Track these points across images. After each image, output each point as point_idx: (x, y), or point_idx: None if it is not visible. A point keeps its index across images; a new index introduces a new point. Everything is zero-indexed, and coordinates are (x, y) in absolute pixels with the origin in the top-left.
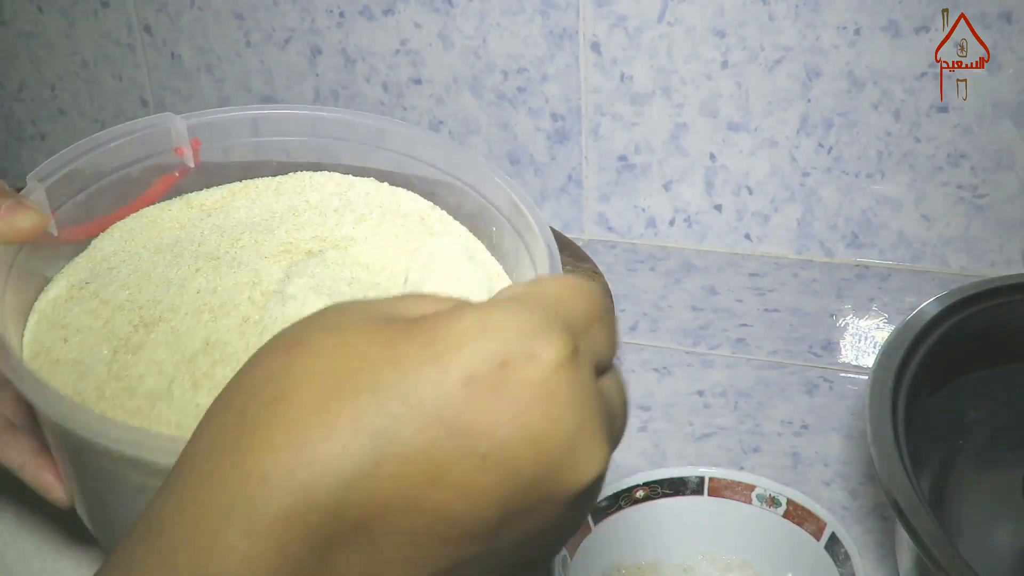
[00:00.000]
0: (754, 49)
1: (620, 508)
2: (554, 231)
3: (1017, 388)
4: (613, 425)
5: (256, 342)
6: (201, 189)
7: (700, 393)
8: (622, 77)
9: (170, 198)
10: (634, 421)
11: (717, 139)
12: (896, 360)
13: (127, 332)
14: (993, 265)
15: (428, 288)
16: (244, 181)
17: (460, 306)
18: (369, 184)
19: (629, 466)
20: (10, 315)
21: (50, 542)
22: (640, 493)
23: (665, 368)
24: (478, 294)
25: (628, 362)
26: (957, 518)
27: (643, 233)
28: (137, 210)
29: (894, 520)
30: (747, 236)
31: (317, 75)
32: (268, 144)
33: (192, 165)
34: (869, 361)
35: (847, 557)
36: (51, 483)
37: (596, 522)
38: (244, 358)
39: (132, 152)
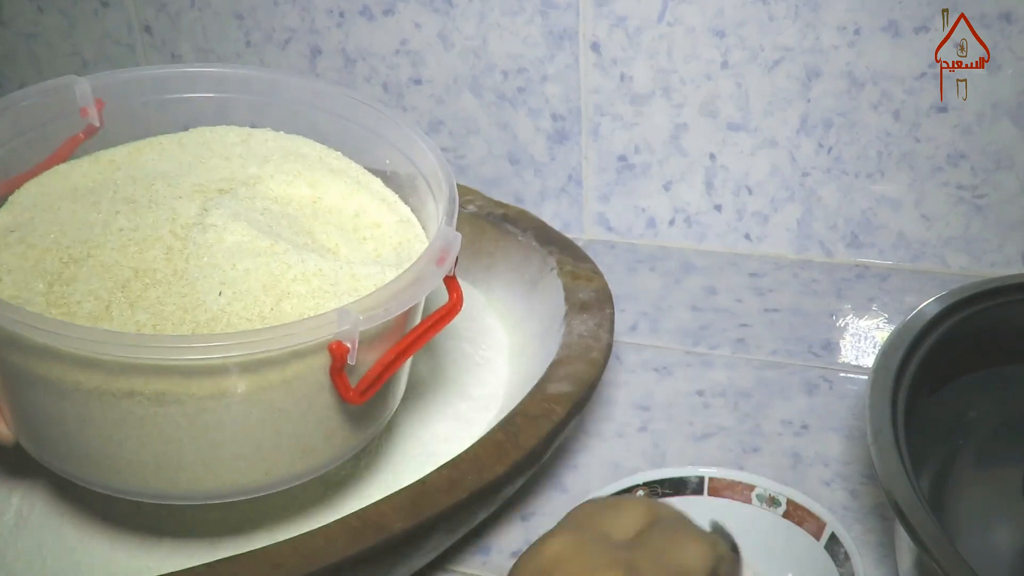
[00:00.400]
0: (754, 49)
1: None
2: (554, 231)
3: (1017, 388)
4: None
5: (183, 266)
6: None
7: (700, 393)
8: (622, 77)
9: (78, 158)
10: (634, 421)
11: (717, 139)
12: (896, 360)
13: (58, 268)
14: (993, 265)
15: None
16: (148, 138)
17: (672, 538)
18: (268, 132)
19: (629, 466)
20: None
21: (50, 542)
22: (640, 493)
23: (665, 368)
24: (377, 212)
25: (628, 362)
26: (957, 518)
27: (643, 233)
28: (47, 169)
29: (894, 520)
30: (747, 236)
31: (317, 75)
32: (172, 102)
33: (97, 125)
34: (869, 361)
35: (847, 557)
36: None
37: None
38: (173, 280)
39: (40, 114)
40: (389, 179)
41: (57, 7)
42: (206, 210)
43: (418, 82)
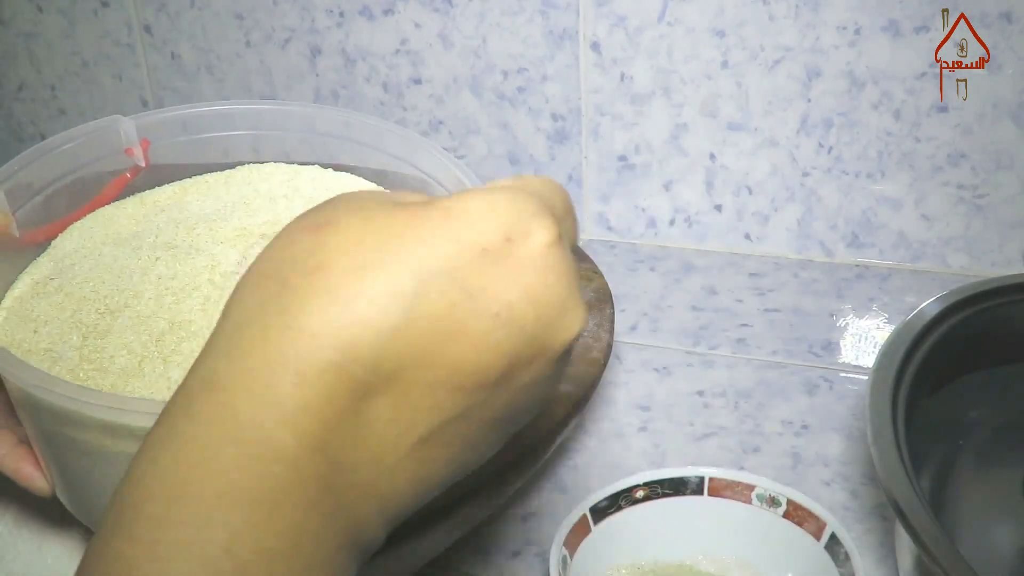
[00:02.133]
0: (754, 49)
1: (620, 508)
2: None
3: (1017, 388)
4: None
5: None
6: (153, 187)
7: (700, 393)
8: (622, 77)
9: (123, 198)
10: (634, 421)
11: (717, 139)
12: (896, 360)
13: (94, 319)
14: (993, 265)
15: None
16: (194, 177)
17: (465, 191)
18: (314, 171)
19: (629, 466)
20: None
21: (50, 542)
22: (640, 493)
23: (665, 368)
24: None
25: (628, 362)
26: (957, 518)
27: (643, 233)
28: (93, 210)
29: (894, 520)
30: (747, 236)
31: (317, 75)
32: (213, 140)
33: (143, 165)
34: (869, 361)
35: (847, 557)
36: (31, 473)
37: (596, 522)
38: (208, 333)
39: (85, 154)
40: None
41: (57, 7)
42: (246, 257)
43: (418, 82)
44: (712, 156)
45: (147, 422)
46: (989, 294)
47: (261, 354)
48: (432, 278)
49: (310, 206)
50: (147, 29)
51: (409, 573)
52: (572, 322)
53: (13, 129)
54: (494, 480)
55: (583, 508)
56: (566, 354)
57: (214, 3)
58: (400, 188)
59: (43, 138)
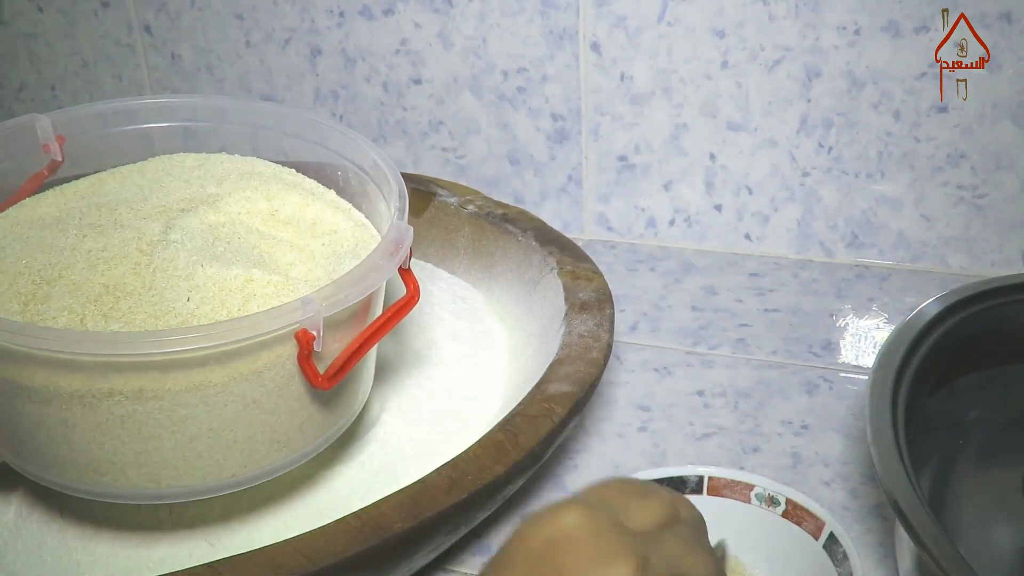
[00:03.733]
0: (754, 49)
1: None
2: (554, 231)
3: (1017, 388)
4: None
5: (151, 279)
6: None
7: (700, 393)
8: (622, 77)
9: (42, 192)
10: (634, 421)
11: (717, 139)
12: (896, 360)
13: (32, 289)
14: (993, 265)
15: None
16: (109, 170)
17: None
18: (223, 156)
19: (629, 466)
20: None
21: (50, 542)
22: None
23: (665, 368)
24: (333, 219)
25: (628, 362)
26: (957, 518)
27: (643, 233)
28: (14, 204)
29: (894, 520)
30: (747, 236)
31: (317, 75)
32: (130, 134)
33: (60, 160)
34: (869, 361)
35: (845, 556)
36: None
37: None
38: (142, 291)
39: (3, 149)
40: (342, 191)
41: (57, 7)
42: (169, 228)
43: (418, 82)
44: (712, 156)
45: (102, 351)
46: (989, 294)
47: None
48: None
49: (223, 184)
50: (147, 29)
51: (409, 573)
52: None
53: None
54: (494, 481)
55: None
56: None
57: (214, 3)
58: (318, 175)
59: None
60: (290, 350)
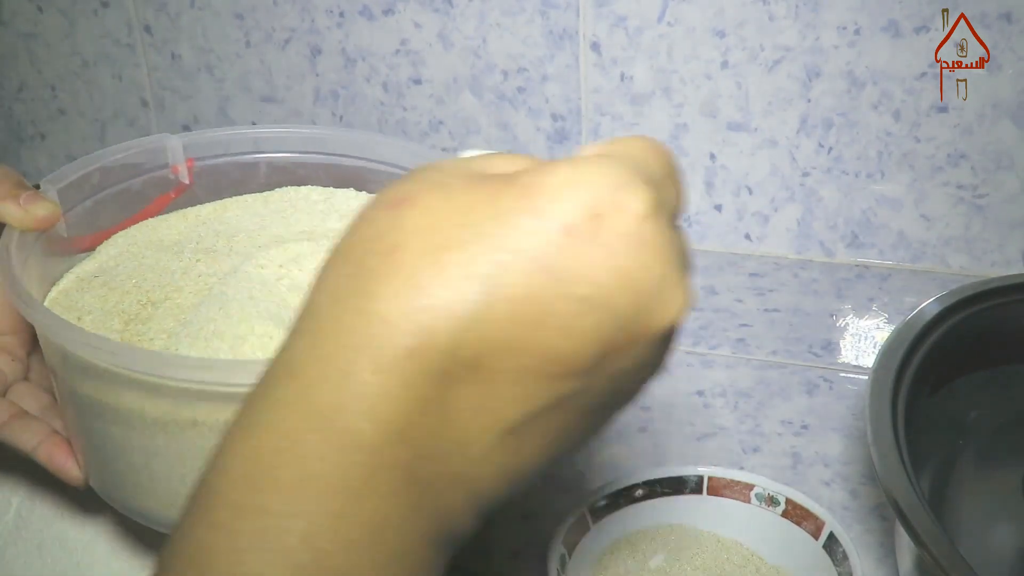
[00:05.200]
0: (754, 49)
1: (620, 507)
2: None
3: (1017, 388)
4: (688, 270)
5: (262, 295)
6: (194, 205)
7: (700, 393)
8: (622, 77)
9: (165, 213)
10: (634, 421)
11: (717, 139)
12: (896, 360)
13: (136, 309)
14: (993, 265)
15: None
16: (234, 197)
17: (550, 162)
18: (350, 192)
19: (629, 466)
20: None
21: (50, 542)
22: (639, 492)
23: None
24: None
25: None
26: (957, 518)
27: None
28: (137, 223)
29: (894, 520)
30: (747, 236)
31: (317, 75)
32: (256, 162)
33: (187, 182)
34: (869, 361)
35: (845, 556)
36: (64, 461)
37: (595, 521)
38: (250, 310)
39: (132, 168)
40: None
41: (57, 7)
42: (285, 259)
43: (418, 82)
44: (712, 156)
45: (186, 376)
46: (989, 294)
47: (336, 340)
48: (512, 259)
49: (346, 219)
50: (147, 29)
51: None
52: (672, 303)
53: (13, 129)
54: None
55: (582, 507)
56: (668, 337)
57: (214, 3)
58: None
59: (43, 138)
60: None
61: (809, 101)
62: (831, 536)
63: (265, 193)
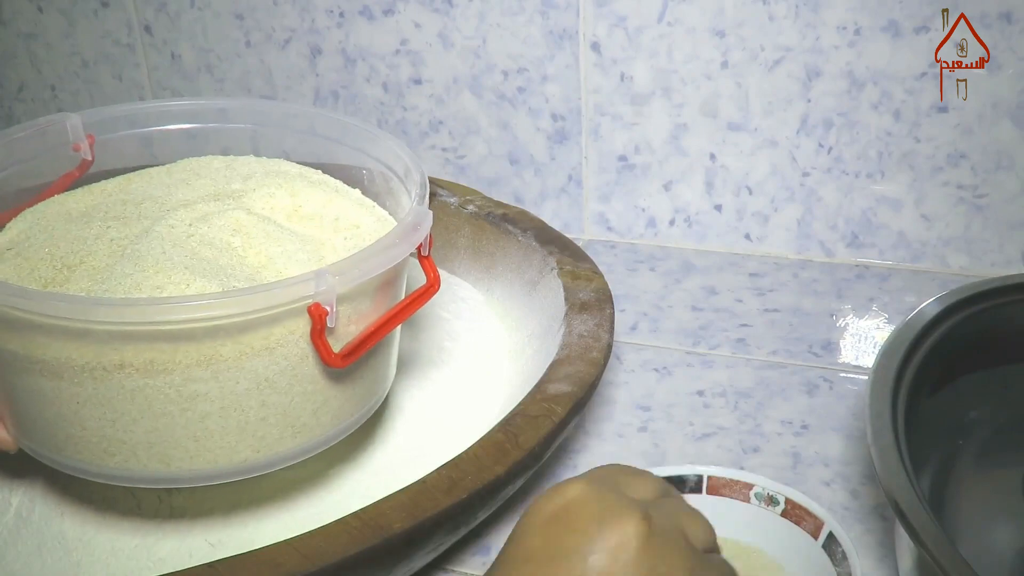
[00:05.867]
0: (754, 49)
1: None
2: (554, 231)
3: (1017, 388)
4: None
5: (175, 250)
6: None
7: (700, 393)
8: (622, 77)
9: (72, 190)
10: (634, 421)
11: (717, 139)
12: (896, 360)
13: (52, 274)
14: (993, 265)
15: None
16: (137, 170)
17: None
18: (250, 158)
19: None
20: None
21: (50, 542)
22: None
23: (665, 368)
24: (356, 215)
25: (628, 362)
26: (957, 518)
27: (643, 233)
28: (42, 201)
29: (894, 520)
30: (747, 236)
31: (317, 75)
32: (158, 135)
33: (90, 159)
34: (869, 361)
35: (844, 556)
36: None
37: None
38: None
39: (33, 147)
40: (367, 189)
41: (57, 7)
42: (194, 218)
43: (418, 82)
44: (712, 156)
45: (112, 323)
46: (989, 294)
47: None
48: None
49: (249, 181)
50: (147, 29)
51: (409, 573)
52: None
53: None
54: (494, 481)
55: None
56: None
57: (214, 3)
58: (350, 179)
59: None
60: (303, 326)
61: (809, 101)
62: (830, 536)
63: (168, 165)
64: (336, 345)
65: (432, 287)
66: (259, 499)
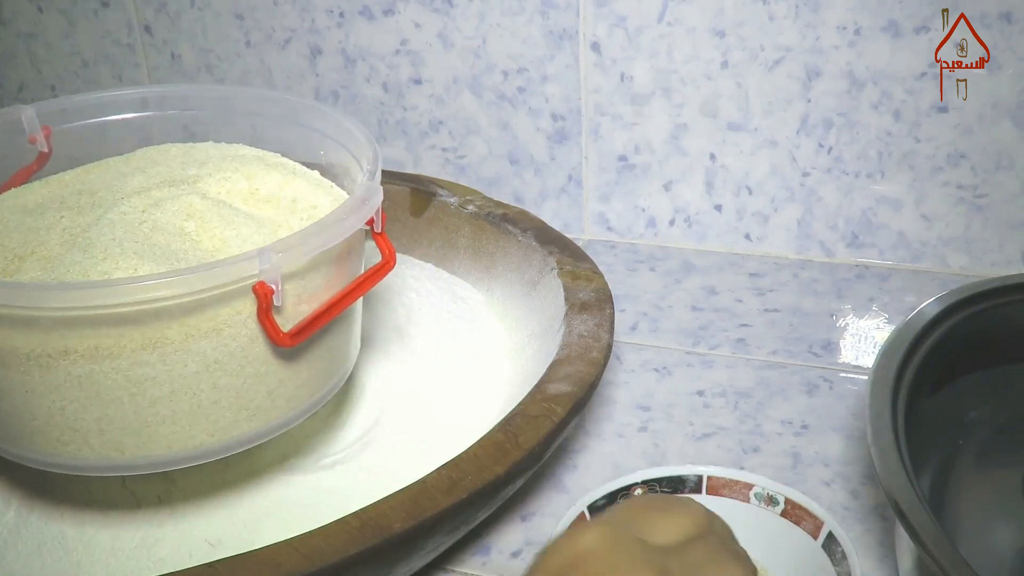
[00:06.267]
0: (754, 49)
1: None
2: (554, 231)
3: (1017, 388)
4: None
5: (125, 236)
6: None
7: (700, 393)
8: (622, 77)
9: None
10: (634, 421)
11: (717, 139)
12: (896, 360)
13: (2, 264)
14: (993, 265)
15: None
16: (96, 161)
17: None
18: (208, 144)
19: (629, 466)
20: None
21: (50, 542)
22: (638, 491)
23: (665, 368)
24: (313, 196)
25: (628, 362)
26: (957, 518)
27: (643, 233)
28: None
29: (894, 520)
30: (747, 236)
31: (317, 75)
32: (117, 124)
33: (47, 151)
34: (869, 361)
35: (844, 556)
36: None
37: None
38: (114, 249)
39: None
40: (326, 170)
41: (57, 7)
42: (147, 205)
43: (418, 82)
44: (712, 156)
45: (58, 309)
46: (989, 294)
47: None
48: None
49: (205, 166)
50: (147, 29)
51: (409, 573)
52: None
53: None
54: (494, 481)
55: (581, 506)
56: None
57: (214, 3)
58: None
59: None
60: (249, 306)
61: (809, 101)
62: (830, 536)
63: (126, 155)
64: (286, 325)
65: (387, 264)
66: (258, 499)
